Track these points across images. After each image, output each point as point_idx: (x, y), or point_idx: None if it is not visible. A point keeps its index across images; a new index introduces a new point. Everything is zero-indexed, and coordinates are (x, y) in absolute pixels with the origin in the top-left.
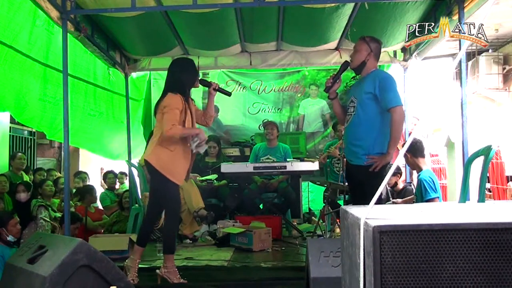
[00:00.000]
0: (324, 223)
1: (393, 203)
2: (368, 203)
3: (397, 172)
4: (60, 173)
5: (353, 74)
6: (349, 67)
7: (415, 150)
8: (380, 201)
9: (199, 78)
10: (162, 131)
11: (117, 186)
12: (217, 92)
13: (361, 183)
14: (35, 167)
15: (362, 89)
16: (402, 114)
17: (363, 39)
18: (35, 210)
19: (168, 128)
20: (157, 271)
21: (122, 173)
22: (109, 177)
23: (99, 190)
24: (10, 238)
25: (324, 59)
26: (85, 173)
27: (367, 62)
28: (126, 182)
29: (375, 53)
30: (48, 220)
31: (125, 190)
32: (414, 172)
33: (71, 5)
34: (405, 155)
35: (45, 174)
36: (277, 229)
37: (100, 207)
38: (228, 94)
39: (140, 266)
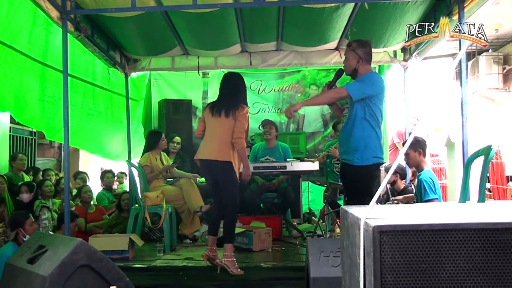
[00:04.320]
0: (324, 223)
1: (394, 200)
2: (362, 203)
3: (397, 172)
4: (60, 173)
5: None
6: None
7: (425, 149)
8: (379, 200)
9: None
10: (233, 136)
11: (115, 186)
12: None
13: (355, 183)
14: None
15: None
16: (340, 93)
17: (349, 47)
18: (38, 210)
19: (239, 136)
20: (217, 260)
21: (122, 173)
22: (107, 176)
23: (100, 190)
24: (27, 238)
25: (324, 59)
26: (85, 173)
27: (358, 68)
28: (125, 182)
29: (365, 58)
30: (51, 221)
31: (123, 191)
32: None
33: (71, 5)
34: (408, 153)
35: (40, 172)
36: (277, 229)
37: None
38: None
39: (140, 266)
